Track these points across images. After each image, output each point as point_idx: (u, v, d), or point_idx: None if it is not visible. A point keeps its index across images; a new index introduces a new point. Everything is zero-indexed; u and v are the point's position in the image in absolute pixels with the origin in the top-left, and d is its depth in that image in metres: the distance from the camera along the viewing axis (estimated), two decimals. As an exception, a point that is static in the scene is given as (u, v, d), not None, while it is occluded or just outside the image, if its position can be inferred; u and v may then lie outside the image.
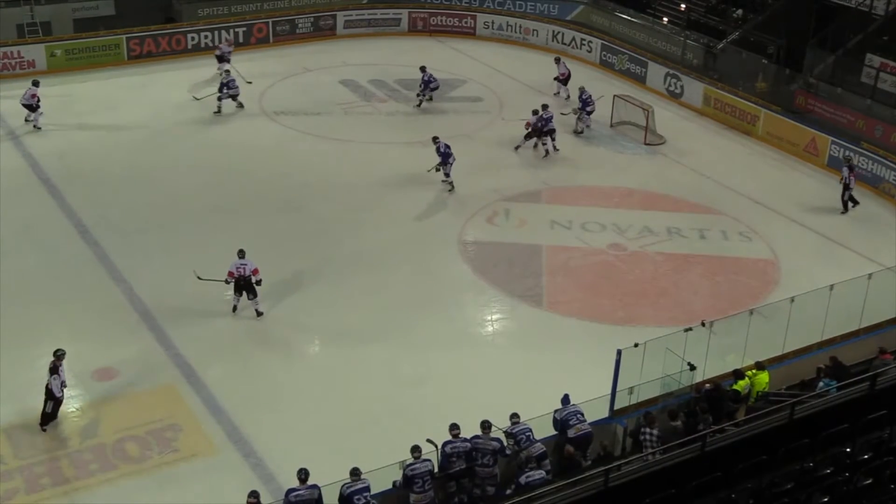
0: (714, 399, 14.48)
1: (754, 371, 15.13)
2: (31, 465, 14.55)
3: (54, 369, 15.17)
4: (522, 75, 30.33)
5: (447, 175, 23.21)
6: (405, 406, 15.98)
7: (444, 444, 13.35)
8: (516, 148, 25.41)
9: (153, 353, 17.09)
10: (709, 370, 14.92)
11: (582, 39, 32.60)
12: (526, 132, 25.30)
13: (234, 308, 18.20)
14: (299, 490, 12.50)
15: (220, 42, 30.18)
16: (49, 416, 15.25)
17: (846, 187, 23.07)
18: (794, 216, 22.97)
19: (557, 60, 29.41)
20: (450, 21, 34.10)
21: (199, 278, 18.06)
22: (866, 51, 26.56)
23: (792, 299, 15.86)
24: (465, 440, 13.44)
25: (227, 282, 17.89)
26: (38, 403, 15.82)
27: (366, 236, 21.17)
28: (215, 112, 26.60)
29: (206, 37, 31.14)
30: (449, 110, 27.89)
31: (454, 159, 23.15)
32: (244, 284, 17.88)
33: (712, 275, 20.40)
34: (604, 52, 31.86)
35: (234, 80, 26.93)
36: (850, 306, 16.44)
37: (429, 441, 13.33)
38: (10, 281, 18.80)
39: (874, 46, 26.46)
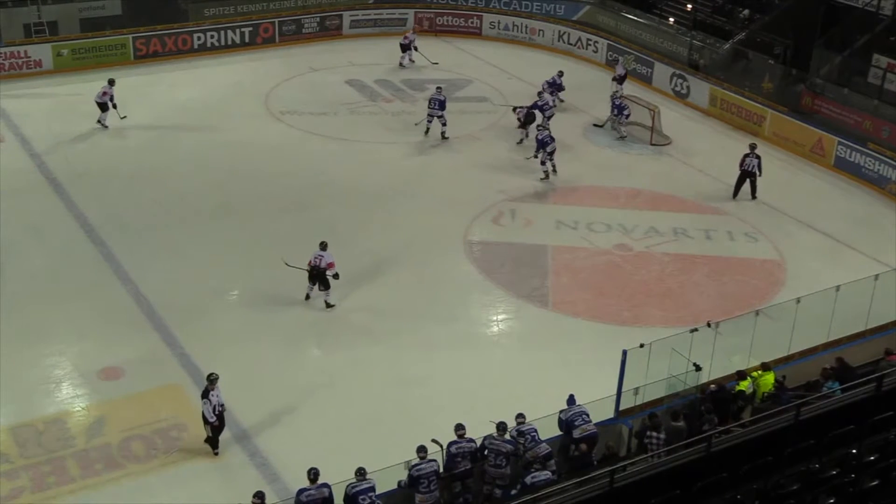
0: (719, 400, 14.47)
1: (760, 372, 15.10)
2: (38, 464, 14.57)
3: (205, 394, 14.61)
4: (528, 75, 30.29)
5: (542, 163, 23.81)
6: (410, 406, 15.98)
7: (450, 444, 13.35)
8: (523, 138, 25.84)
9: (159, 352, 17.11)
10: (714, 371, 14.91)
11: (588, 40, 32.59)
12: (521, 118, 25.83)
13: (307, 296, 18.65)
14: (310, 490, 12.50)
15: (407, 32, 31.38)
16: (211, 440, 14.87)
17: (754, 174, 23.31)
18: (800, 217, 22.93)
19: (616, 61, 30.12)
20: (456, 21, 34.10)
21: (287, 265, 18.53)
22: (873, 51, 26.49)
23: (798, 300, 15.86)
24: (472, 440, 13.44)
25: (307, 270, 18.43)
26: (43, 402, 15.94)
27: (371, 236, 21.16)
28: (426, 132, 26.11)
29: (212, 37, 31.18)
30: (454, 110, 27.83)
31: (553, 148, 23.69)
32: (317, 275, 18.40)
33: (718, 275, 20.37)
34: (610, 53, 31.83)
35: (436, 99, 25.76)
36: (857, 307, 16.42)
37: (434, 441, 13.33)
38: (16, 280, 18.86)
39: (881, 47, 26.38)
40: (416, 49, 30.86)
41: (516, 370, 17.09)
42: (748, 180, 23.44)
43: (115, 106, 25.30)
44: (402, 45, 30.93)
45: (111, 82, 25.47)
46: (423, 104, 27.86)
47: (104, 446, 14.98)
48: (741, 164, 23.45)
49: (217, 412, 14.58)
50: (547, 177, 23.80)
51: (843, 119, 26.01)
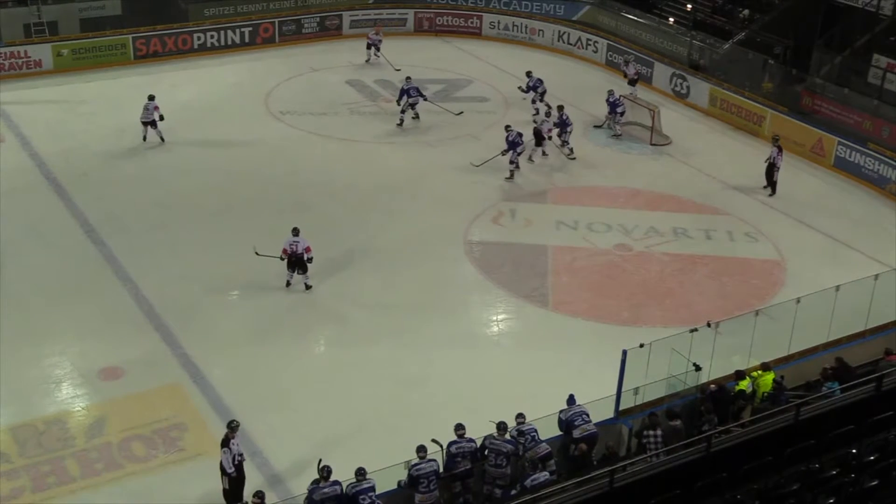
0: (719, 400, 14.47)
1: (760, 372, 15.10)
2: (37, 464, 14.57)
3: (225, 442, 13.65)
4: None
5: (511, 161, 23.72)
6: (410, 406, 15.98)
7: (450, 444, 13.36)
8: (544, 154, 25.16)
9: (159, 352, 17.12)
10: (714, 371, 14.90)
11: (588, 40, 32.59)
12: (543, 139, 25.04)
13: (288, 283, 18.94)
14: (324, 488, 12.52)
15: (370, 33, 31.18)
16: (228, 494, 13.67)
17: (773, 167, 23.62)
18: (800, 217, 22.94)
19: (626, 63, 29.39)
20: (456, 21, 34.11)
21: (257, 254, 18.77)
22: (873, 51, 26.53)
23: (798, 300, 15.85)
24: (472, 440, 13.44)
25: (281, 258, 18.69)
26: (43, 402, 15.95)
27: (371, 236, 21.16)
28: (398, 125, 26.57)
29: (212, 37, 31.20)
30: (454, 110, 27.86)
31: (523, 148, 23.72)
32: (295, 261, 18.71)
33: (718, 275, 20.37)
34: (610, 53, 31.84)
35: (414, 88, 26.50)
36: (856, 307, 16.42)
37: (434, 441, 13.34)
38: (16, 280, 18.86)
39: (881, 47, 26.41)
40: (378, 51, 30.70)
41: (516, 370, 17.08)
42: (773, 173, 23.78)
43: (161, 118, 24.40)
44: (367, 44, 30.94)
45: (153, 98, 24.55)
46: (424, 105, 27.86)
47: (104, 446, 14.98)
48: (778, 160, 23.60)
49: (236, 462, 13.65)
50: (512, 176, 23.72)
51: (843, 119, 26.02)
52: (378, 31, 31.29)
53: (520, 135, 23.83)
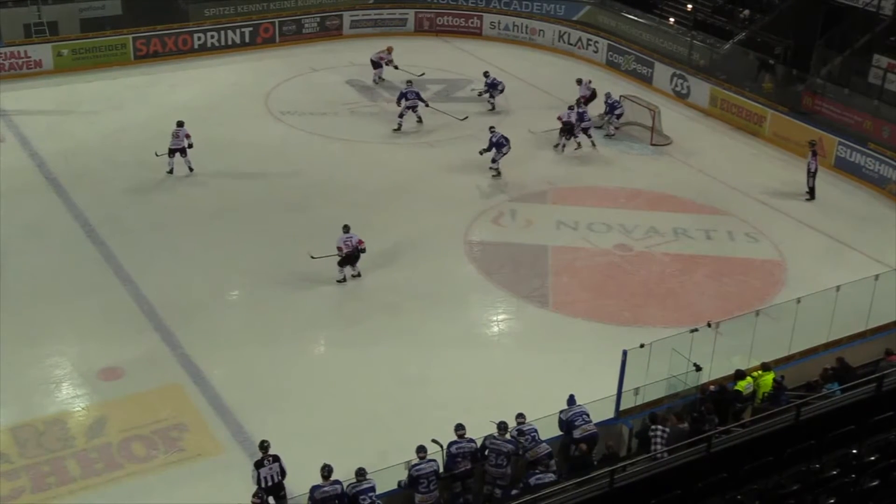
0: (719, 400, 14.47)
1: (760, 372, 15.10)
2: (37, 465, 14.57)
3: (283, 474, 13.41)
4: (528, 75, 30.32)
5: (493, 161, 23.80)
6: (410, 406, 15.97)
7: (450, 444, 13.36)
8: (556, 146, 25.55)
9: (159, 352, 17.11)
10: (715, 371, 14.90)
11: (588, 40, 32.59)
12: (560, 129, 25.39)
13: (343, 279, 19.25)
14: (324, 487, 12.53)
15: (381, 52, 29.79)
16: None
17: (811, 173, 23.52)
18: (800, 217, 22.94)
19: (579, 82, 28.29)
20: (456, 21, 34.12)
21: (312, 258, 18.99)
22: (874, 51, 26.51)
23: (798, 300, 15.86)
24: (472, 440, 13.44)
25: (338, 255, 19.01)
26: (43, 402, 15.94)
27: (371, 236, 21.05)
28: (395, 130, 26.45)
29: (212, 37, 31.21)
30: (455, 110, 27.84)
31: (508, 150, 23.72)
32: (350, 257, 19.08)
33: (718, 276, 20.37)
34: (610, 53, 31.84)
35: (412, 91, 26.52)
36: (857, 307, 16.41)
37: (434, 441, 13.34)
38: (16, 280, 18.85)
39: (881, 47, 26.40)
40: (396, 67, 29.33)
41: (516, 370, 17.08)
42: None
43: (191, 146, 23.13)
44: (373, 62, 29.57)
45: (182, 124, 23.22)
46: (428, 108, 27.84)
47: (104, 446, 14.98)
48: (811, 164, 23.51)
49: (274, 482, 13.27)
50: (499, 174, 23.79)
51: (844, 119, 26.00)
52: (390, 51, 29.72)
53: (504, 137, 23.75)
